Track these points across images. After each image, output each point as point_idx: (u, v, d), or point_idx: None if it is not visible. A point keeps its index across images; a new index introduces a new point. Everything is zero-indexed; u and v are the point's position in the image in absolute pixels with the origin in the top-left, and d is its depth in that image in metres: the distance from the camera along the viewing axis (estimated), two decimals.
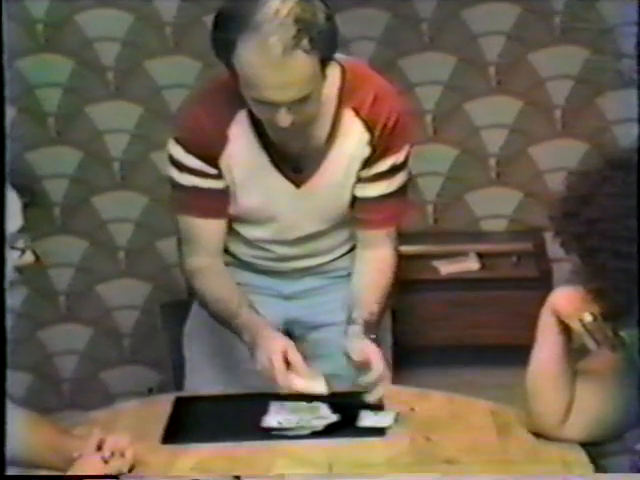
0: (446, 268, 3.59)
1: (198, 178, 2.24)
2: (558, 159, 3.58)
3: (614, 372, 1.94)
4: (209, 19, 2.06)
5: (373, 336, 2.19)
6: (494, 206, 3.76)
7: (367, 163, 2.25)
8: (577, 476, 1.88)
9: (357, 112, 2.21)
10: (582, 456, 1.94)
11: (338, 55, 2.15)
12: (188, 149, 2.22)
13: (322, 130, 2.21)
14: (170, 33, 3.65)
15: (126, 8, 3.62)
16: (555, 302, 1.92)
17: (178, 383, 2.56)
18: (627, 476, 1.88)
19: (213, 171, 2.23)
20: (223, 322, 2.27)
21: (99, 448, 1.91)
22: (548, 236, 1.95)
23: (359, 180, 2.28)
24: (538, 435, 2.00)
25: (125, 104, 3.70)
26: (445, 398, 2.22)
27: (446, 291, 3.58)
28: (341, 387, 2.22)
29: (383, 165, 2.26)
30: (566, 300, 1.89)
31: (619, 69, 3.55)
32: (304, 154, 2.23)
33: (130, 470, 1.91)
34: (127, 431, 2.02)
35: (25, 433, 1.87)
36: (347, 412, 2.11)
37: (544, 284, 3.14)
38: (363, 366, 2.12)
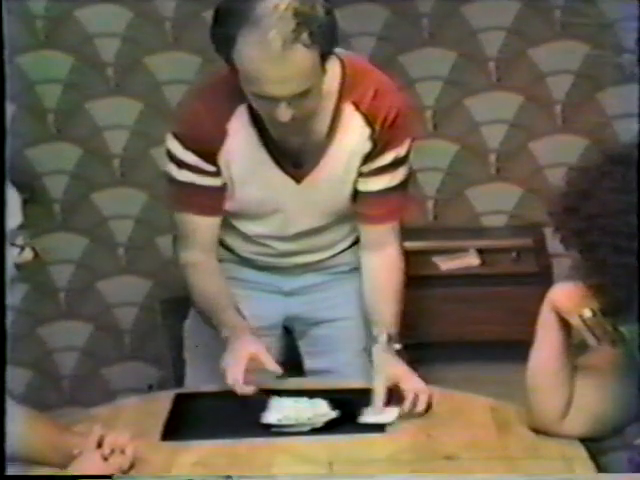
0: (446, 264, 3.59)
1: (195, 175, 2.24)
2: (558, 154, 3.58)
3: (614, 368, 1.94)
4: (208, 14, 2.06)
5: (398, 347, 2.20)
6: (494, 202, 3.75)
7: (368, 157, 2.25)
8: (578, 475, 1.88)
9: (357, 107, 2.21)
10: (582, 452, 1.94)
11: (338, 50, 2.15)
12: (186, 145, 2.22)
13: (322, 125, 2.21)
14: (170, 29, 3.64)
15: (126, 4, 3.61)
16: (555, 298, 1.92)
17: (178, 380, 2.56)
18: (630, 476, 1.87)
19: (211, 168, 2.23)
20: (206, 317, 2.28)
21: (99, 445, 1.91)
22: (548, 232, 1.95)
23: (361, 174, 2.27)
24: (538, 431, 2.00)
25: (125, 100, 3.69)
26: (445, 394, 2.22)
27: (446, 287, 3.58)
28: (341, 384, 2.22)
29: (385, 159, 2.26)
30: (566, 296, 1.89)
31: (619, 64, 3.54)
32: (304, 149, 2.23)
33: (130, 467, 1.91)
34: (127, 428, 2.02)
35: (25, 430, 1.86)
36: (347, 408, 2.11)
37: (544, 280, 3.13)
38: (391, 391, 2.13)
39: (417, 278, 3.46)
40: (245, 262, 2.43)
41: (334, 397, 2.13)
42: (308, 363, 2.49)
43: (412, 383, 2.13)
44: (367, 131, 2.22)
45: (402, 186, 2.31)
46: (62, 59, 3.65)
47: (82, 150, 3.73)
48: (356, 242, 2.42)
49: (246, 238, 2.38)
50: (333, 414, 2.09)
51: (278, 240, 2.36)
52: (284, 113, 2.04)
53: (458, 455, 1.95)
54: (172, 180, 2.28)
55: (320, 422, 2.08)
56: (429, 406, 2.12)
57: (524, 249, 3.60)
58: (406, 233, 2.40)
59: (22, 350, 3.75)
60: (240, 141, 2.21)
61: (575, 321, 1.87)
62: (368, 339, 2.29)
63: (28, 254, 1.82)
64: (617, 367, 1.94)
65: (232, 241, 2.40)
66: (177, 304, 2.65)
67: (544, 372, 1.96)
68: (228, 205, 2.29)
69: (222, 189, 2.26)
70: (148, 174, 3.68)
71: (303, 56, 1.98)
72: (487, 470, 1.90)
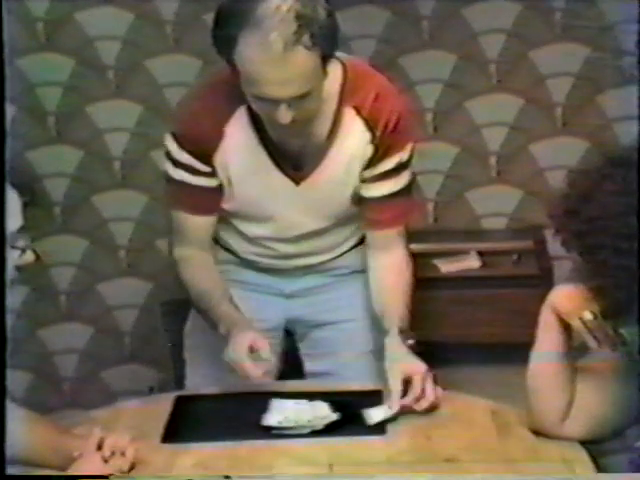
0: (447, 266, 3.59)
1: (189, 174, 2.24)
2: (558, 157, 3.59)
3: (614, 370, 1.94)
4: (209, 17, 2.06)
5: (411, 341, 2.20)
6: (494, 204, 3.76)
7: (371, 163, 2.25)
8: (579, 476, 1.88)
9: (358, 111, 2.21)
10: (582, 454, 1.94)
11: (339, 53, 2.15)
12: (182, 145, 2.22)
13: (323, 128, 2.21)
14: (170, 31, 3.65)
15: (126, 6, 3.62)
16: (555, 300, 1.92)
17: (178, 382, 2.55)
18: (629, 476, 1.87)
19: (206, 169, 2.23)
20: (202, 312, 2.29)
21: (99, 447, 1.91)
22: (549, 234, 1.95)
23: (365, 180, 2.27)
24: (538, 433, 2.00)
25: (125, 103, 3.70)
26: (445, 396, 2.22)
27: (447, 289, 3.58)
28: (341, 386, 2.22)
29: (389, 164, 2.26)
30: (566, 298, 1.89)
31: (620, 67, 3.55)
32: (304, 151, 2.23)
33: (130, 469, 1.91)
34: (127, 430, 2.02)
35: (25, 432, 1.86)
36: (347, 411, 2.11)
37: (545, 282, 3.14)
38: (406, 385, 2.11)
39: (418, 280, 3.47)
40: (246, 264, 2.43)
41: (334, 399, 2.13)
42: (308, 365, 2.49)
43: (422, 379, 2.12)
44: (368, 135, 2.22)
45: (406, 190, 2.31)
46: (63, 62, 3.66)
47: (83, 153, 3.73)
48: (357, 244, 2.42)
49: (247, 239, 2.38)
50: (334, 416, 2.09)
51: (279, 242, 2.36)
52: (284, 115, 2.04)
53: (458, 457, 1.95)
54: (168, 178, 2.29)
55: (321, 424, 2.07)
56: (435, 407, 2.12)
57: (525, 251, 3.60)
58: (407, 235, 2.40)
59: (22, 352, 3.75)
60: (239, 142, 2.21)
61: (576, 323, 1.87)
62: (379, 335, 2.27)
63: (29, 256, 1.82)
64: (617, 369, 1.93)
65: (233, 242, 2.40)
66: (177, 306, 2.65)
67: (545, 374, 1.95)
68: (228, 205, 2.29)
69: (217, 190, 2.26)
70: (148, 176, 3.68)
71: (304, 58, 1.98)
72: (487, 472, 1.90)
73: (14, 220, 1.78)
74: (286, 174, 2.24)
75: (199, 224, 2.31)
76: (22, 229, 1.81)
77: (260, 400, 2.14)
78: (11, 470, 1.74)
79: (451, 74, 3.65)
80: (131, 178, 3.75)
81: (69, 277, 3.83)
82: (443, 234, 3.75)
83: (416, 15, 3.62)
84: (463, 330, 3.53)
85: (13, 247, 1.79)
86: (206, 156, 2.22)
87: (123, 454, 1.91)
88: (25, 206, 1.82)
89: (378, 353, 2.26)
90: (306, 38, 1.96)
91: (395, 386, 2.10)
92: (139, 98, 3.69)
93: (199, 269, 2.33)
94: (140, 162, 3.71)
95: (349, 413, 2.10)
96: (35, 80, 3.66)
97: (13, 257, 1.79)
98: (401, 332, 2.21)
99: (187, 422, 2.15)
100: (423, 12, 3.62)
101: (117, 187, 3.76)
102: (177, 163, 2.24)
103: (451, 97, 3.67)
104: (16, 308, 3.72)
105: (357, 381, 2.30)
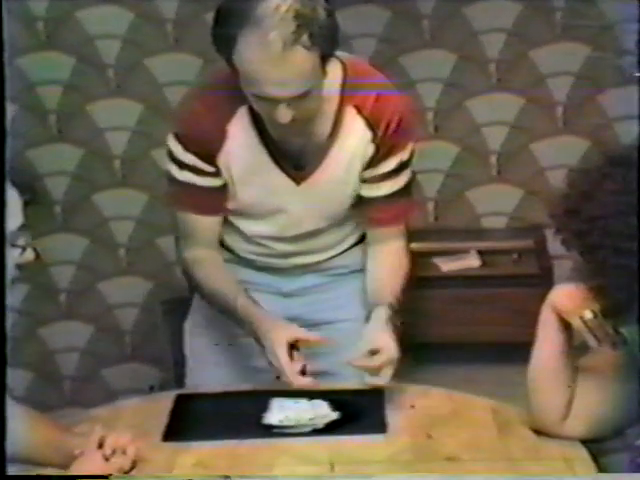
0: (447, 265, 3.59)
1: (195, 175, 2.24)
2: (559, 156, 3.59)
3: (615, 369, 1.94)
4: (209, 16, 2.06)
5: (398, 323, 2.20)
6: (495, 203, 3.76)
7: (372, 163, 2.25)
8: (580, 476, 1.88)
9: (359, 110, 2.21)
10: (583, 453, 1.94)
11: (339, 52, 2.15)
12: (186, 146, 2.22)
13: (323, 127, 2.21)
14: (171, 30, 3.65)
15: (127, 5, 3.62)
16: (556, 299, 1.92)
17: (179, 380, 2.55)
18: (630, 476, 1.88)
19: (210, 169, 2.23)
20: (224, 312, 2.28)
21: (100, 446, 1.91)
22: (549, 233, 1.95)
23: (366, 180, 2.28)
24: (539, 432, 2.00)
25: (126, 102, 3.70)
26: (446, 395, 2.22)
27: (447, 288, 3.58)
28: (341, 385, 2.22)
29: (389, 164, 2.26)
30: (567, 297, 1.89)
31: (620, 66, 3.55)
32: (305, 151, 2.23)
33: (131, 468, 1.91)
34: (128, 429, 2.02)
35: (26, 431, 1.86)
36: (347, 410, 2.11)
37: (545, 281, 3.15)
38: (373, 354, 2.12)
39: (418, 279, 3.47)
40: (244, 262, 2.43)
41: (334, 398, 2.13)
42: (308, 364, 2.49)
43: (387, 359, 2.12)
44: (369, 134, 2.22)
45: (406, 189, 2.31)
46: (63, 60, 3.66)
47: (83, 151, 3.74)
48: (356, 244, 2.42)
49: (246, 238, 2.38)
50: (334, 415, 2.09)
51: (278, 241, 2.36)
52: (284, 114, 2.04)
53: (459, 456, 1.95)
54: (173, 180, 2.28)
55: (321, 423, 2.08)
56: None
57: (525, 250, 3.60)
58: (407, 234, 2.41)
59: (23, 351, 3.75)
60: (240, 142, 2.21)
61: (576, 322, 1.87)
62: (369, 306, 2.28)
63: (29, 255, 1.82)
64: (618, 368, 1.93)
65: (232, 241, 2.40)
66: (178, 304, 2.65)
67: (545, 373, 1.96)
68: (230, 205, 2.29)
69: (222, 189, 2.26)
70: (149, 175, 3.68)
71: (303, 58, 1.98)
72: (488, 471, 1.90)
73: (14, 218, 1.78)
74: (287, 173, 2.24)
75: (207, 224, 2.31)
76: (22, 227, 1.81)
77: (261, 399, 2.14)
78: (12, 469, 1.74)
79: (452, 73, 3.65)
80: (131, 177, 3.76)
81: (69, 276, 3.83)
82: (443, 233, 3.75)
83: (417, 14, 3.62)
84: (463, 329, 3.53)
85: (13, 245, 1.79)
86: (210, 156, 2.22)
87: (124, 452, 1.91)
88: (25, 204, 1.82)
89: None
90: (305, 38, 1.96)
91: (362, 349, 2.11)
92: (139, 97, 3.69)
93: (212, 270, 2.32)
94: (140, 161, 3.72)
95: (349, 412, 2.11)
96: (35, 79, 3.66)
97: (13, 255, 1.79)
98: (390, 307, 2.21)
99: (188, 421, 2.15)
100: (424, 11, 3.62)
101: (117, 186, 3.77)
102: (182, 164, 2.24)
103: (452, 96, 3.67)
104: (16, 306, 3.72)
105: (356, 380, 2.30)
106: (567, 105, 3.65)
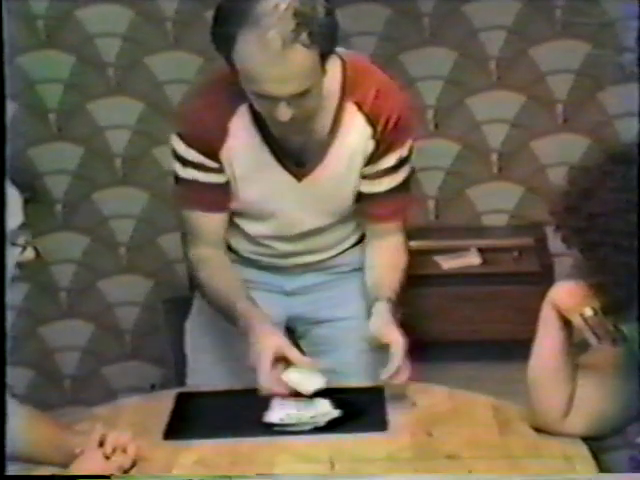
0: (447, 263, 3.59)
1: (199, 172, 2.24)
2: (559, 154, 3.58)
3: (615, 367, 1.94)
4: (209, 14, 2.06)
5: (398, 315, 2.20)
6: (495, 201, 3.75)
7: (372, 159, 2.26)
8: (580, 475, 1.88)
9: (360, 107, 2.21)
10: (583, 451, 1.94)
11: (339, 49, 2.15)
12: (189, 143, 2.22)
13: (324, 124, 2.21)
14: (171, 29, 3.64)
15: (127, 4, 3.62)
16: (556, 297, 1.92)
17: (180, 379, 2.56)
18: (630, 476, 1.88)
19: (214, 165, 2.23)
20: (221, 311, 2.28)
21: (101, 444, 1.91)
22: (549, 231, 1.94)
23: (366, 177, 2.28)
24: (539, 430, 2.00)
25: (126, 100, 3.70)
26: (446, 393, 2.22)
27: (447, 286, 3.58)
28: (342, 383, 2.22)
29: (389, 161, 2.27)
30: (567, 294, 1.89)
31: (620, 63, 3.54)
32: (306, 148, 2.23)
33: (132, 466, 1.91)
34: (129, 427, 2.02)
35: (26, 429, 1.86)
36: (349, 408, 2.11)
37: (545, 279, 3.13)
38: (383, 348, 2.13)
39: (418, 277, 3.47)
40: (247, 262, 2.43)
41: (336, 396, 2.13)
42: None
43: (402, 351, 2.12)
44: (369, 130, 2.23)
45: (404, 185, 2.32)
46: (63, 59, 3.65)
47: (83, 150, 3.73)
48: (358, 242, 2.42)
49: (248, 238, 2.38)
50: (335, 413, 2.09)
51: (280, 240, 2.36)
52: (284, 112, 2.04)
53: (459, 454, 1.95)
54: (177, 178, 2.29)
55: (322, 421, 2.08)
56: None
57: (525, 248, 3.60)
58: (407, 232, 2.41)
59: (23, 349, 3.75)
60: (242, 140, 2.21)
61: (576, 320, 1.87)
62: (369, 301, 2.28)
63: (29, 253, 1.83)
64: (618, 366, 1.94)
65: (234, 241, 2.40)
66: (179, 303, 2.66)
67: (545, 370, 1.96)
68: (233, 205, 2.29)
69: (226, 185, 2.27)
70: (149, 174, 3.68)
71: (303, 56, 1.99)
72: (489, 469, 1.90)
73: (15, 217, 1.79)
74: (288, 171, 2.24)
75: (213, 222, 2.31)
76: (23, 226, 1.81)
77: (261, 397, 2.14)
78: (12, 468, 1.75)
79: (452, 71, 3.65)
80: (132, 175, 3.75)
81: (70, 274, 3.83)
82: (444, 231, 3.75)
83: (417, 12, 3.61)
84: (464, 327, 3.53)
85: (14, 244, 1.79)
86: (213, 153, 2.22)
87: (124, 451, 1.91)
88: (26, 203, 1.83)
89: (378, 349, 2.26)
90: (304, 36, 1.97)
91: (371, 344, 2.15)
92: (140, 95, 3.69)
93: (215, 269, 2.31)
94: (141, 159, 3.71)
95: (350, 410, 2.11)
96: (36, 77, 3.66)
97: (14, 254, 1.79)
98: (389, 300, 2.21)
99: (188, 419, 2.16)
100: (424, 9, 3.61)
101: (118, 184, 3.76)
102: (186, 162, 2.24)
103: (452, 94, 3.66)
104: (17, 305, 3.73)
105: (358, 378, 2.30)
106: (567, 102, 3.65)
